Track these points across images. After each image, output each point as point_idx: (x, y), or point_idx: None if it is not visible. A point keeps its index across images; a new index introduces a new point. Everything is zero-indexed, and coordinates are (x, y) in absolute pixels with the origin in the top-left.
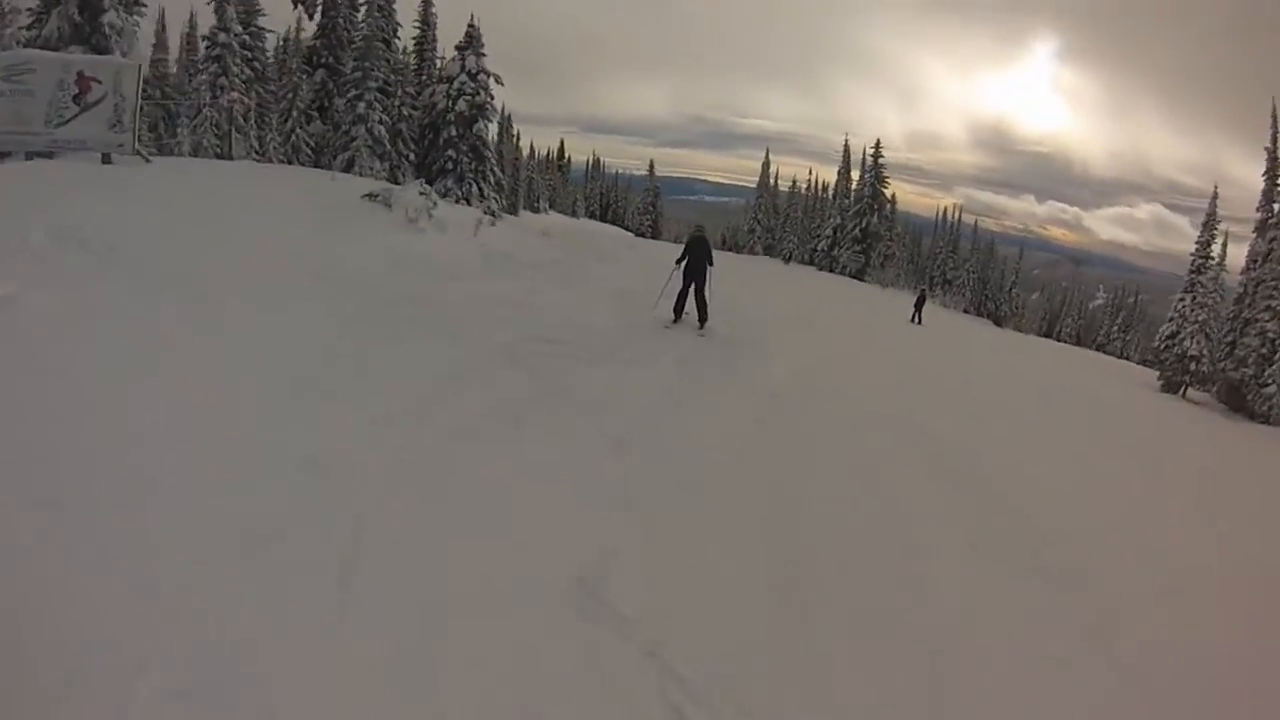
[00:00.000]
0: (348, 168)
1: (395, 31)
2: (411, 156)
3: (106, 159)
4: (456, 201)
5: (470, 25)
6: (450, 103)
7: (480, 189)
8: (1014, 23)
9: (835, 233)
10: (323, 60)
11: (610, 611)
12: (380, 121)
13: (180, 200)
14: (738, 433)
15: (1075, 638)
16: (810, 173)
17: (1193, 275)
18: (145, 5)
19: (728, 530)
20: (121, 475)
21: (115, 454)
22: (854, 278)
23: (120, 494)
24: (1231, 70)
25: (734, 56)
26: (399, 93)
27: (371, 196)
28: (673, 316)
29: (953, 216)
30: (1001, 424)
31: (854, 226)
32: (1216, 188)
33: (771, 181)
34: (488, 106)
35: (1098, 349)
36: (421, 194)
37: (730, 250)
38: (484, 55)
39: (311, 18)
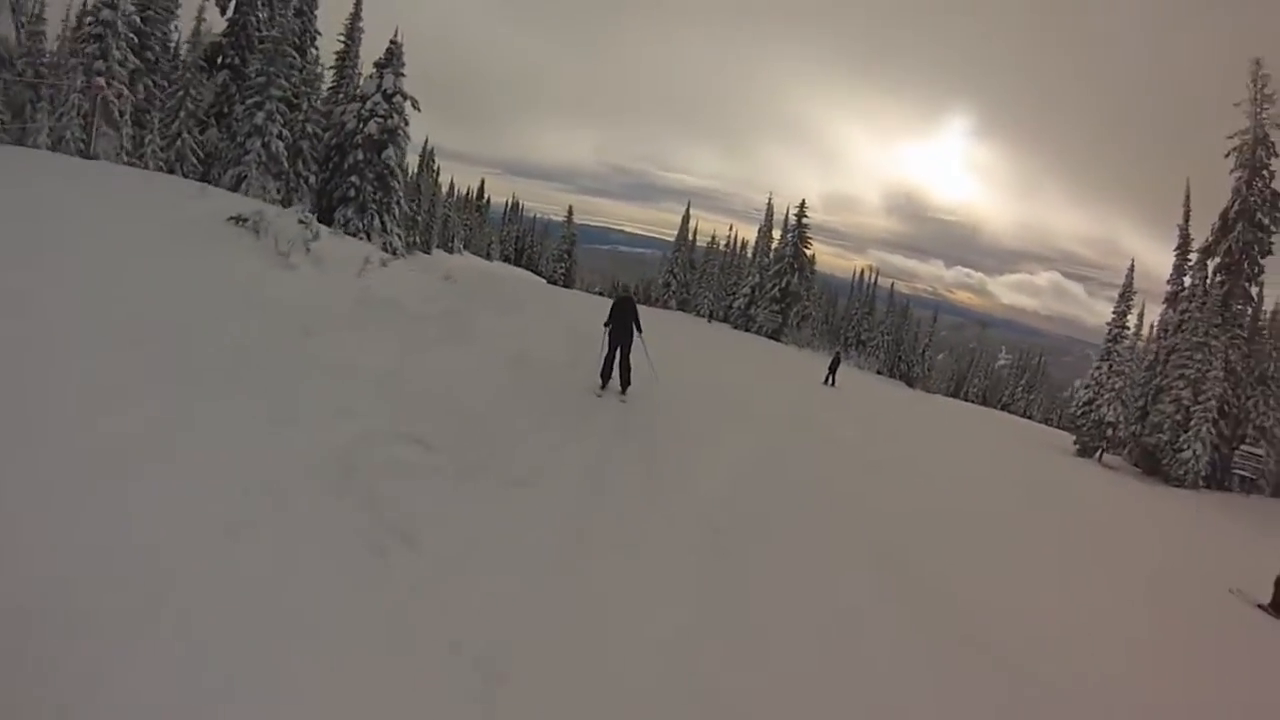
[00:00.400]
0: (236, 185)
1: (313, 40)
2: (311, 179)
3: None
4: (354, 234)
5: (393, 41)
6: (360, 124)
7: (383, 222)
8: (933, 100)
9: (753, 291)
10: (228, 60)
11: None
12: (280, 136)
13: None
14: (674, 623)
15: None
16: (730, 229)
17: (1109, 344)
18: None
19: None
20: None
21: None
22: (770, 337)
23: None
24: (1130, 150)
25: (663, 112)
26: (305, 106)
27: (238, 220)
28: (600, 382)
29: (869, 278)
30: (972, 539)
31: (773, 286)
32: (1133, 262)
33: (690, 236)
34: (400, 132)
35: (1003, 408)
36: (301, 222)
37: (643, 304)
38: (403, 75)
39: (225, 12)
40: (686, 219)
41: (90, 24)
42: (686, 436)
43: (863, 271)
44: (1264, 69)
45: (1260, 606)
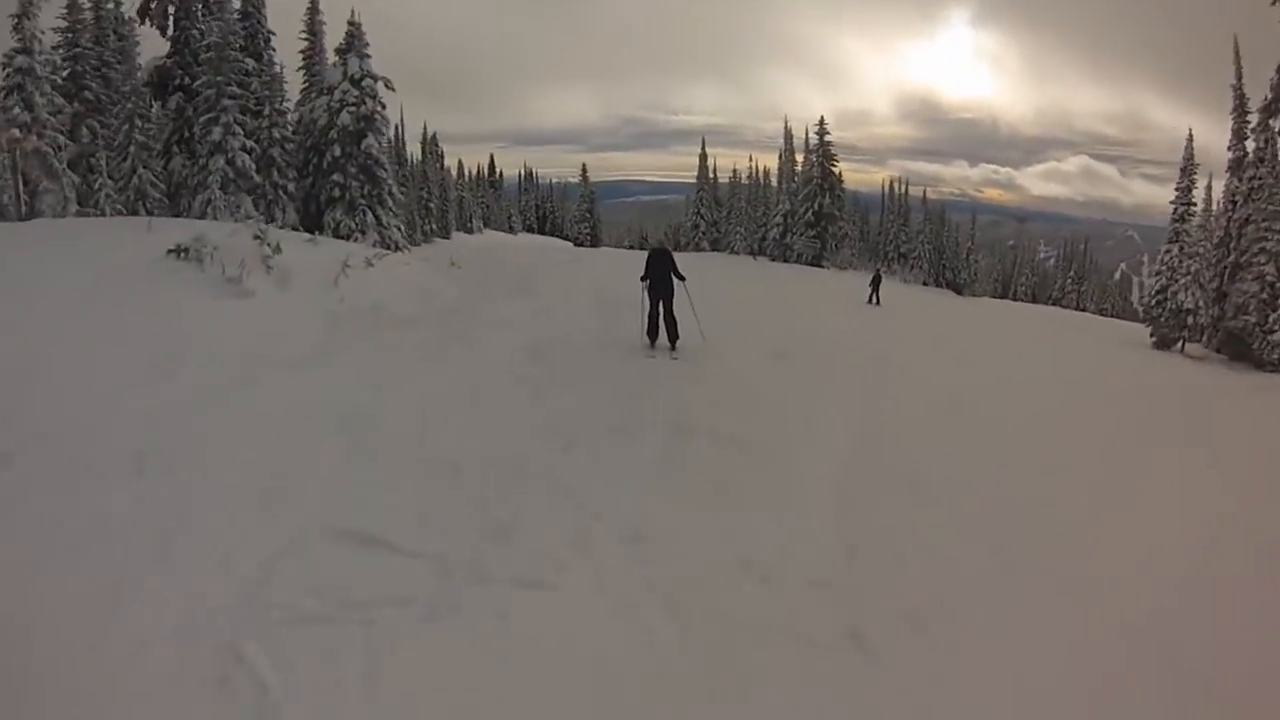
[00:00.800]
0: (204, 211)
1: (267, 40)
2: (290, 188)
3: None
4: (347, 236)
5: (350, 23)
6: (332, 117)
7: (378, 216)
8: None
9: (786, 219)
10: (179, 82)
11: None
12: (245, 149)
13: None
14: None
15: None
16: (750, 160)
17: (1175, 224)
18: None
19: None
20: None
21: None
22: (812, 264)
23: None
24: (1146, 18)
25: (657, 55)
26: (269, 111)
27: (178, 252)
28: (648, 341)
29: (898, 189)
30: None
31: (806, 210)
32: (1191, 131)
33: (711, 174)
34: (377, 117)
35: (1053, 304)
36: (256, 238)
37: (674, 250)
38: (368, 57)
39: (165, 33)
40: (704, 157)
41: (7, 74)
42: (760, 447)
43: (891, 183)
44: None
45: None
